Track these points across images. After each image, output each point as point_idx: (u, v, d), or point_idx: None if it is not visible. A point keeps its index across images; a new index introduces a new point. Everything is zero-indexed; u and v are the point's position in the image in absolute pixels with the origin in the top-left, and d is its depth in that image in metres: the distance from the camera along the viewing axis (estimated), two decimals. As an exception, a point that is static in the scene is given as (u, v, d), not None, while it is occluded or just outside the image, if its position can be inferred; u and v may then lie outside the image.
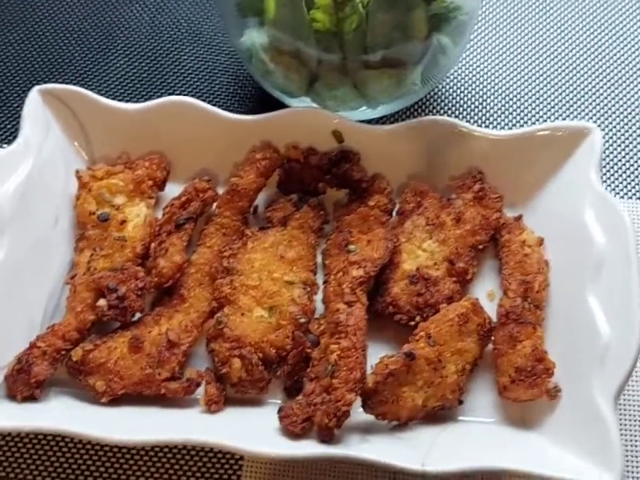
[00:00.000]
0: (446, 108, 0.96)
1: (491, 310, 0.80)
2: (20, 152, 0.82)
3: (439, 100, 0.97)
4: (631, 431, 0.78)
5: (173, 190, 0.87)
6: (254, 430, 0.72)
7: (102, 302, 0.77)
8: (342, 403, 0.70)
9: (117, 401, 0.75)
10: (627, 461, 0.76)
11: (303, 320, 0.78)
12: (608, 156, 0.94)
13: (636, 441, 0.78)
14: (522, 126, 0.96)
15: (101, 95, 0.88)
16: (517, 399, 0.75)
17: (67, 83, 0.89)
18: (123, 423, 0.72)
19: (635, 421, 0.79)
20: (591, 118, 0.97)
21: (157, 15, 1.06)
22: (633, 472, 0.77)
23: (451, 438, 0.74)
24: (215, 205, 0.85)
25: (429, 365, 0.74)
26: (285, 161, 0.86)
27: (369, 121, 0.92)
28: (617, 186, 0.93)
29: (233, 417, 0.75)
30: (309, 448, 0.69)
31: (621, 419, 0.79)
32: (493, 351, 0.77)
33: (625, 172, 0.93)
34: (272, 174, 0.86)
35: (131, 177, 0.85)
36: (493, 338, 0.78)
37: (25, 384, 0.74)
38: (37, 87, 0.86)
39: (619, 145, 0.95)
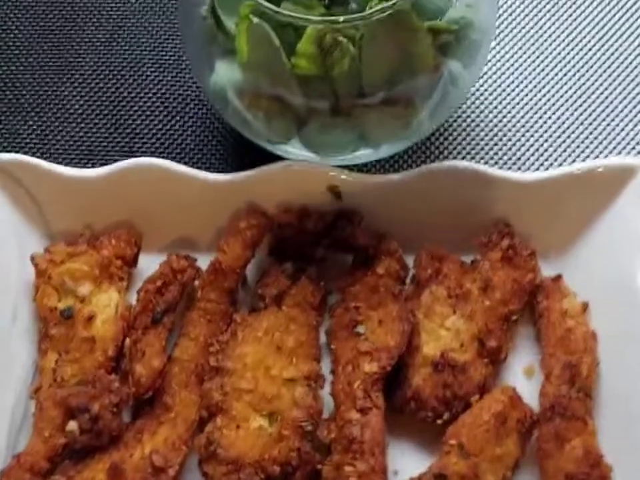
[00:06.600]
0: (459, 145, 0.82)
1: (530, 391, 0.69)
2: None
3: (451, 134, 0.83)
4: None
5: (148, 263, 0.76)
6: None
7: (72, 425, 0.66)
8: None
9: (100, 540, 0.65)
10: None
11: (309, 427, 0.66)
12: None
13: None
14: (551, 166, 0.81)
15: (52, 161, 0.75)
16: (568, 507, 0.64)
17: (7, 151, 0.75)
18: None
19: None
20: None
21: (111, 60, 0.89)
22: None
23: None
24: (196, 283, 0.74)
25: (464, 482, 0.63)
26: (276, 226, 0.74)
27: (370, 164, 0.79)
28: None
29: None
30: None
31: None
32: (537, 450, 0.66)
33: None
34: (261, 243, 0.74)
35: (95, 258, 0.73)
36: (536, 433, 0.66)
37: (-9, 532, 0.64)
38: (-27, 159, 0.73)
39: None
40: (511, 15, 0.89)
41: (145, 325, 0.70)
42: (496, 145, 0.82)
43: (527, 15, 0.88)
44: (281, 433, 0.66)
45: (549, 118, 0.82)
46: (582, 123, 0.82)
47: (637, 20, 0.87)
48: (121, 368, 0.71)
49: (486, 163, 0.81)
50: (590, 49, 0.86)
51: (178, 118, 0.86)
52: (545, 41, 0.86)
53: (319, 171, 0.73)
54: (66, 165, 0.75)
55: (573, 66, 0.85)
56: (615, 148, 0.81)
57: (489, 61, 0.86)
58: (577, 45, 0.86)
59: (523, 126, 0.82)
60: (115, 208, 0.75)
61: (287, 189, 0.73)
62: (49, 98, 0.87)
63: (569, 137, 0.82)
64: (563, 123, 0.82)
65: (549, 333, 0.69)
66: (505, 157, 0.81)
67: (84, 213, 0.76)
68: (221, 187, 0.74)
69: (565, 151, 0.81)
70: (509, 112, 0.83)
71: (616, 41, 0.86)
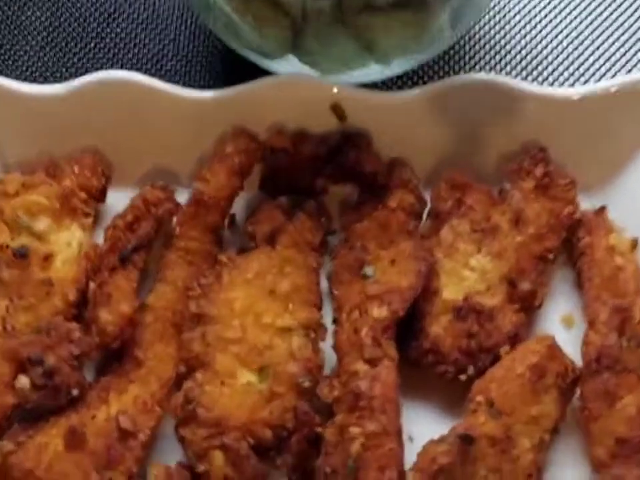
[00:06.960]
0: (485, 61, 0.74)
1: (570, 342, 0.61)
2: None
3: (473, 49, 0.75)
4: None
5: (119, 199, 0.67)
6: None
7: (23, 381, 0.58)
8: (376, 524, 0.50)
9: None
10: None
11: (307, 383, 0.58)
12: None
13: None
14: (593, 81, 0.74)
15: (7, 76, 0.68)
16: (619, 477, 0.55)
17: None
18: None
19: None
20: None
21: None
22: None
23: None
24: (175, 220, 0.65)
25: (494, 446, 0.54)
26: (268, 152, 0.66)
27: (380, 83, 0.71)
28: None
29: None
30: None
31: None
32: (582, 410, 0.57)
33: None
34: (251, 171, 0.66)
35: (55, 190, 0.65)
36: (579, 391, 0.58)
37: None
38: None
39: None
40: None
41: (113, 266, 0.62)
42: (526, 59, 0.76)
43: None
44: (274, 391, 0.59)
45: (585, 28, 0.77)
46: (624, 33, 0.76)
47: None
48: (85, 316, 0.62)
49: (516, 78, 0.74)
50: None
51: (160, 38, 0.79)
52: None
53: (320, 86, 0.66)
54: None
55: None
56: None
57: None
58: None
59: (556, 37, 0.77)
60: (80, 132, 0.68)
61: (282, 108, 0.66)
62: (10, 9, 0.79)
63: (608, 49, 0.76)
64: (600, 33, 0.77)
65: (593, 274, 0.62)
66: (537, 72, 0.75)
67: (43, 139, 0.68)
68: (204, 105, 0.66)
69: (604, 64, 0.76)
70: (539, 22, 0.77)
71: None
